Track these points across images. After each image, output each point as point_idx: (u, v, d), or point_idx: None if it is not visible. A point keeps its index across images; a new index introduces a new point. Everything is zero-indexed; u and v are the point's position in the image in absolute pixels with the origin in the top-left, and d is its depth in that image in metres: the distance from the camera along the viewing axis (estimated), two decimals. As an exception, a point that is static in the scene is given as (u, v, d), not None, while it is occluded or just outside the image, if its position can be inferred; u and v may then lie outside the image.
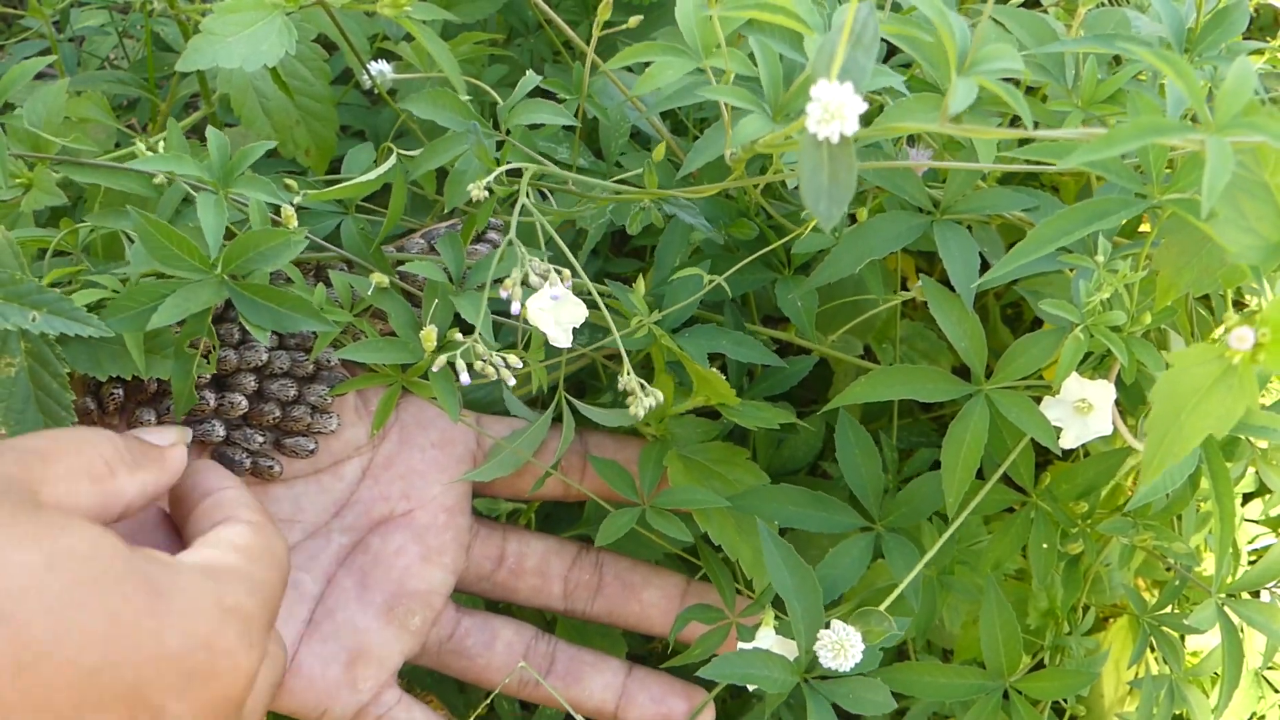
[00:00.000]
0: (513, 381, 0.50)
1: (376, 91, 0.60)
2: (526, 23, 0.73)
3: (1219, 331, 0.58)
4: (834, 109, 0.35)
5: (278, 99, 0.61)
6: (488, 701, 0.68)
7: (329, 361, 0.57)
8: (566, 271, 0.50)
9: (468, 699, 0.72)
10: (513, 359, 0.50)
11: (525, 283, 0.49)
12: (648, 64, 0.68)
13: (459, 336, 0.51)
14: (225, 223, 0.47)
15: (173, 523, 0.50)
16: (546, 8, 0.59)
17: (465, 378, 0.49)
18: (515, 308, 0.49)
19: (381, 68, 0.61)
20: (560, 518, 0.69)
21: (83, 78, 0.65)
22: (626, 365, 0.51)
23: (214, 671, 0.40)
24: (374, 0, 0.52)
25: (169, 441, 0.49)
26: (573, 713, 0.58)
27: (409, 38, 0.63)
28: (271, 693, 0.46)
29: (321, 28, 0.62)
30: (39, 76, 0.80)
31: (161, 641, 0.39)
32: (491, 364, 0.50)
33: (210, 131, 0.49)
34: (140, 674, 0.38)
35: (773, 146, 0.42)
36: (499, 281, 0.50)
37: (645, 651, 0.74)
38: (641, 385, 0.51)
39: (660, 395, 0.51)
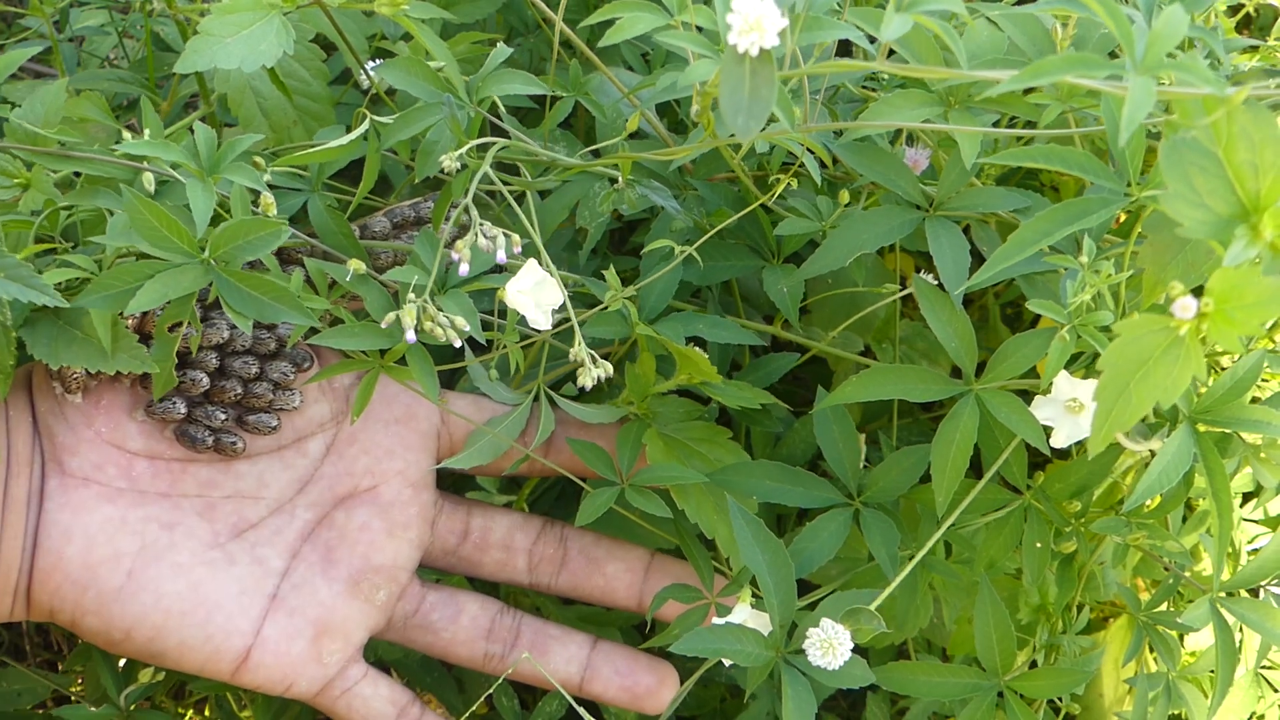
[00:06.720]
0: (459, 343, 0.51)
1: (374, 92, 0.61)
2: (526, 23, 0.73)
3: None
4: (753, 21, 0.36)
5: (275, 99, 0.62)
6: (485, 697, 0.69)
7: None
8: (516, 237, 0.51)
9: (466, 698, 0.72)
10: (459, 321, 0.51)
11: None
12: (647, 59, 0.69)
13: (411, 296, 0.51)
14: (213, 207, 0.47)
15: None
16: (546, 8, 0.59)
17: (410, 335, 0.50)
18: (464, 269, 0.50)
19: (379, 67, 0.62)
20: (559, 512, 0.69)
21: (82, 77, 0.65)
22: (578, 337, 0.52)
23: None
24: (371, -1, 0.53)
25: None
26: (554, 683, 0.57)
27: (407, 37, 0.64)
28: None
29: (319, 28, 0.62)
30: (38, 76, 0.80)
31: None
32: (438, 324, 0.50)
33: (197, 125, 0.49)
34: None
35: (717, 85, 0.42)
36: (450, 245, 0.51)
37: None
38: (592, 357, 0.52)
39: (609, 368, 0.52)
